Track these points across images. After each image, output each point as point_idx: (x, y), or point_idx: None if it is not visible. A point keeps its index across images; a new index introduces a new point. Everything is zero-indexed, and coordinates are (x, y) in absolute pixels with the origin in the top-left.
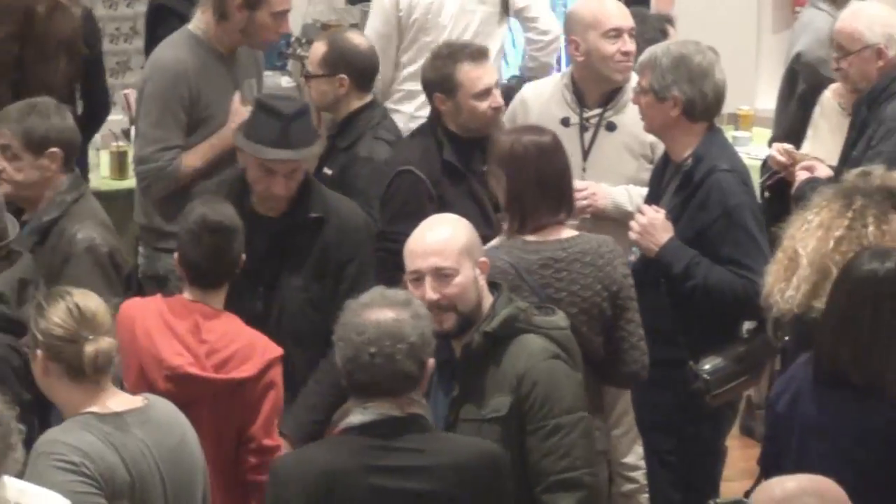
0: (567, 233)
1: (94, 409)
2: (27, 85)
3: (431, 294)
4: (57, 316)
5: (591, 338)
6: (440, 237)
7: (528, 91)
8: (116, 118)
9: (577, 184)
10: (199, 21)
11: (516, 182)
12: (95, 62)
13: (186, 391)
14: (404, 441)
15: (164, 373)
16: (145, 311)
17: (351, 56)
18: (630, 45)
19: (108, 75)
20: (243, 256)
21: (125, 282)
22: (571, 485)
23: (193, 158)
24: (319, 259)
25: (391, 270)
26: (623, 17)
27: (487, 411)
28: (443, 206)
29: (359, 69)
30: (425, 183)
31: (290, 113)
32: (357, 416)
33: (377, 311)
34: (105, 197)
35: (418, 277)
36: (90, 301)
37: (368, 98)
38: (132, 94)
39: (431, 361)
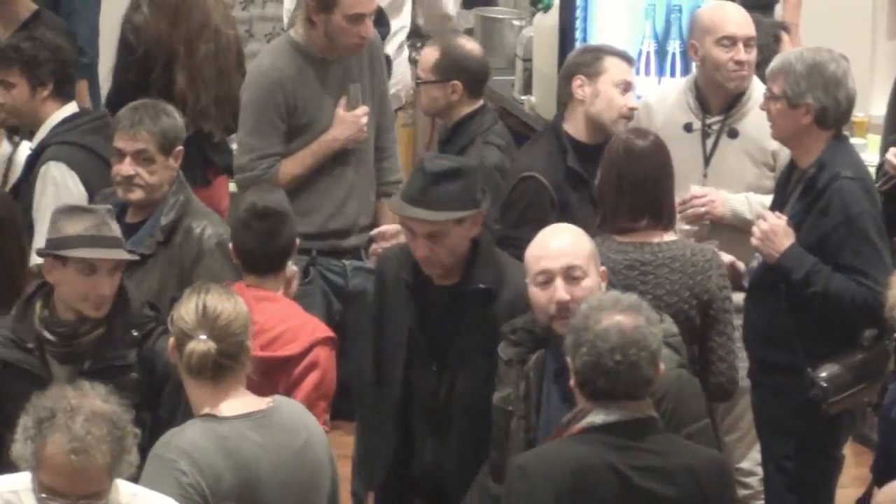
0: (662, 237)
1: (212, 411)
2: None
3: (563, 294)
4: (185, 309)
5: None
6: (567, 241)
7: (653, 95)
8: None
9: (696, 190)
10: (298, 26)
11: (601, 180)
12: None
13: None
14: (646, 442)
15: None
16: None
17: (463, 62)
18: (745, 54)
19: None
20: (297, 241)
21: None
22: None
23: (292, 166)
24: (488, 334)
25: None
26: (740, 26)
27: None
28: (564, 212)
29: (471, 75)
30: (548, 189)
31: (436, 171)
32: (600, 415)
33: (616, 316)
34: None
35: (547, 279)
36: (223, 303)
37: (479, 103)
38: None
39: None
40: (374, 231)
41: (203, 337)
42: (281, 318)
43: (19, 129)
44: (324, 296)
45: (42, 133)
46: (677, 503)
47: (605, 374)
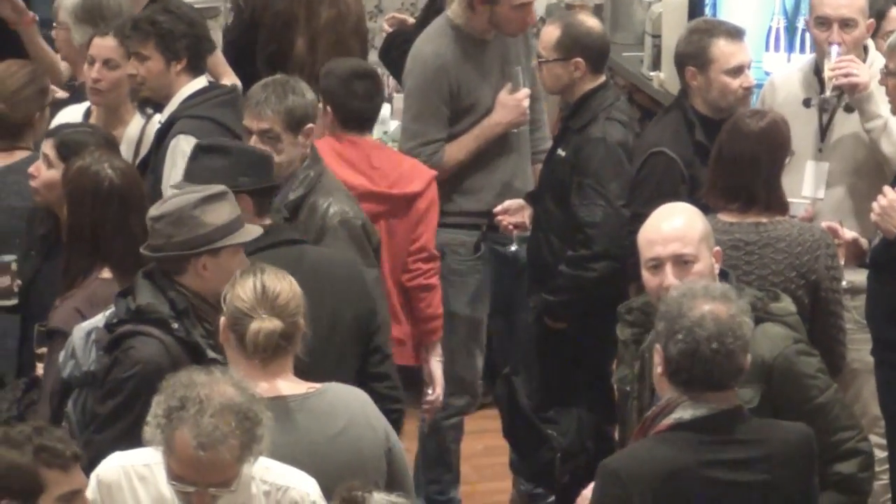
0: (769, 217)
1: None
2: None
3: (672, 281)
4: (242, 289)
5: None
6: (678, 224)
7: (780, 73)
8: None
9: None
10: (457, 8)
11: (710, 158)
12: None
13: (367, 209)
14: (735, 433)
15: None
16: (321, 150)
17: (585, 39)
18: (841, 34)
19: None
20: None
21: (375, 253)
22: (850, 454)
23: (457, 151)
24: None
25: None
26: (835, 7)
27: None
28: (694, 187)
29: (593, 51)
30: (678, 163)
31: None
32: (687, 410)
33: (709, 304)
34: None
35: (657, 265)
36: (281, 283)
37: (601, 79)
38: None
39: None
40: (499, 207)
41: (265, 316)
42: (396, 162)
43: (151, 102)
44: (494, 270)
45: (172, 106)
46: (773, 488)
47: (702, 362)
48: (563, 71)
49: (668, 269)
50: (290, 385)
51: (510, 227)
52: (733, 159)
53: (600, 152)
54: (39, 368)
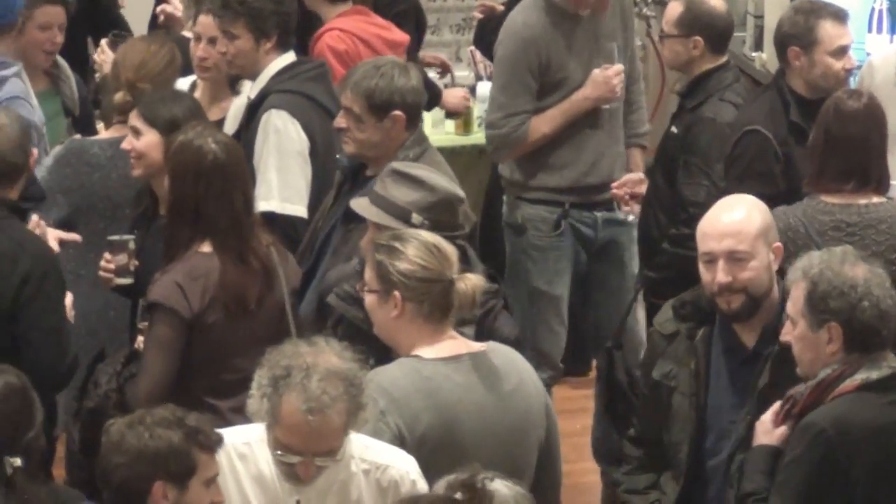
0: (872, 199)
1: (421, 352)
2: None
3: (723, 277)
4: (418, 257)
5: None
6: (736, 219)
7: (879, 55)
8: (463, 74)
9: None
10: None
11: (812, 140)
12: None
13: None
14: None
15: None
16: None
17: (707, 18)
18: None
19: (454, 31)
20: None
21: (468, 238)
22: None
23: (543, 124)
24: None
25: None
26: None
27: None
28: (788, 166)
29: (714, 32)
30: (772, 142)
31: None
32: (873, 371)
33: (860, 269)
34: (449, 153)
35: (711, 259)
36: (441, 241)
37: (722, 60)
38: (478, 52)
39: None
40: (620, 181)
41: (457, 276)
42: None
43: (241, 79)
44: (573, 248)
45: (262, 81)
46: None
47: (890, 320)
48: (683, 48)
49: (721, 265)
50: (459, 344)
51: (627, 197)
52: (845, 140)
53: (709, 132)
54: (140, 342)
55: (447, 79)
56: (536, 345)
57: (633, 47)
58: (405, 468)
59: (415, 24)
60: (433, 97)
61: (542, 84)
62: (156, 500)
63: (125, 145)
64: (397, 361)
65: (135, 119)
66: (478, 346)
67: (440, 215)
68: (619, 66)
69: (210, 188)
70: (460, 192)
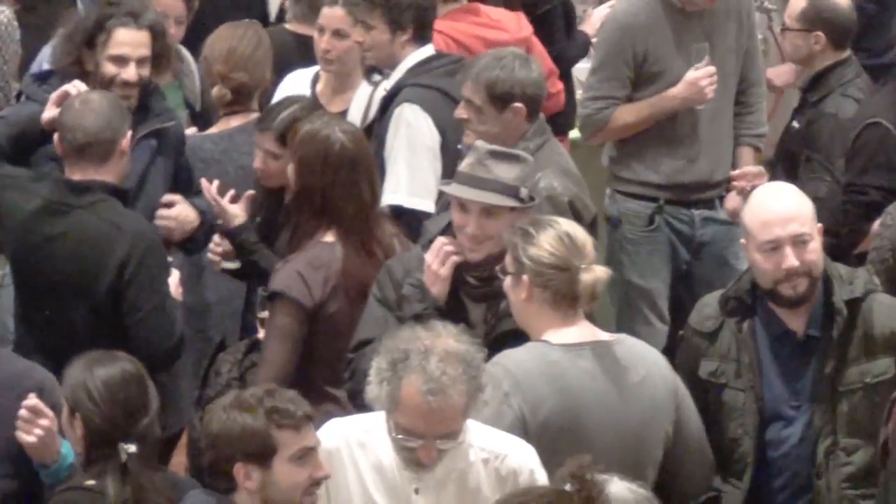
0: None
1: (548, 337)
2: None
3: (793, 261)
4: (548, 244)
5: None
6: (793, 203)
7: None
8: (585, 66)
9: None
10: None
11: None
12: None
13: None
14: None
15: None
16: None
17: (829, 14)
18: None
19: None
20: None
21: (588, 229)
22: None
23: (627, 113)
24: None
25: (858, 222)
26: None
27: (870, 377)
28: None
29: (836, 27)
30: (894, 135)
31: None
32: None
33: None
34: (569, 144)
35: (776, 247)
36: (578, 230)
37: (844, 55)
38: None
39: None
40: (737, 171)
41: (584, 265)
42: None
43: (377, 69)
44: (669, 244)
45: (397, 74)
46: None
47: None
48: (803, 42)
49: (788, 249)
50: (588, 332)
51: (748, 189)
52: None
53: (830, 127)
54: (262, 332)
55: None
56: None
57: (755, 50)
58: (524, 457)
59: (563, 22)
60: None
61: (638, 74)
62: (241, 481)
63: (258, 164)
64: (525, 345)
65: (269, 143)
66: (606, 336)
67: (530, 184)
68: (709, 69)
69: (338, 177)
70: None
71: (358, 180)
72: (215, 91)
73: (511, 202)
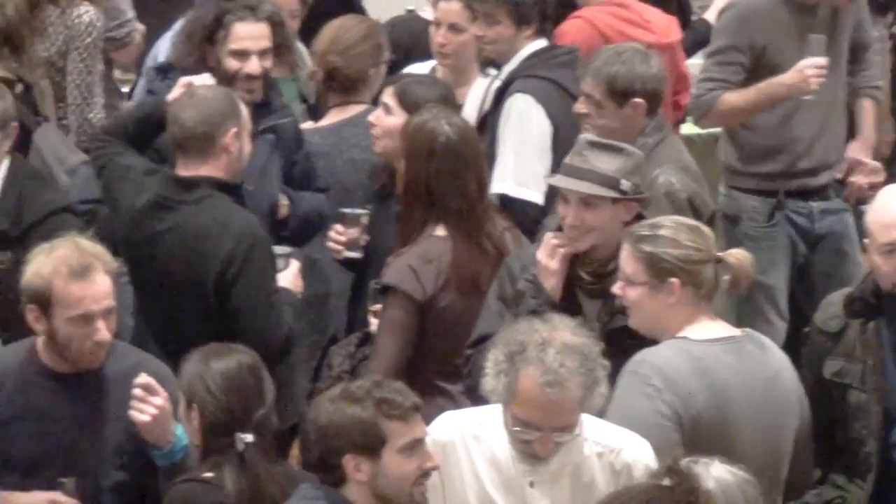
0: None
1: (689, 334)
2: None
3: None
4: (688, 240)
5: None
6: None
7: None
8: (699, 62)
9: None
10: None
11: None
12: None
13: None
14: None
15: None
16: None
17: None
18: None
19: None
20: None
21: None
22: None
23: (735, 97)
24: None
25: None
26: None
27: None
28: None
29: None
30: None
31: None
32: None
33: None
34: (684, 141)
35: (893, 249)
36: (694, 220)
37: None
38: None
39: None
40: (852, 161)
41: (720, 259)
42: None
43: (493, 62)
44: (788, 239)
45: (511, 65)
46: None
47: None
48: None
49: None
50: (721, 327)
51: (864, 186)
52: None
53: None
54: (374, 324)
55: None
56: None
57: (863, 19)
58: (639, 452)
59: (676, 7)
60: None
61: (756, 64)
62: (350, 472)
63: (371, 118)
64: (664, 343)
65: (388, 97)
66: (737, 331)
67: (637, 178)
68: (818, 60)
69: (442, 169)
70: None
71: (462, 174)
72: (309, 68)
73: (609, 193)
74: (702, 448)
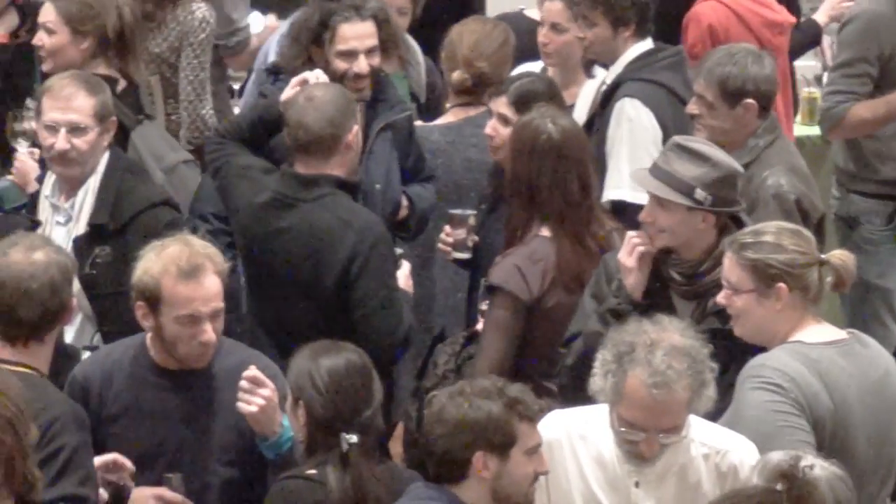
0: None
1: (802, 338)
2: None
3: None
4: (793, 245)
5: None
6: None
7: None
8: (809, 64)
9: None
10: None
11: None
12: None
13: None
14: None
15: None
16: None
17: None
18: None
19: None
20: None
21: (815, 228)
22: None
23: (864, 110)
24: None
25: None
26: None
27: None
28: None
29: None
30: None
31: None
32: None
33: None
34: (797, 142)
35: None
36: (793, 224)
37: None
38: (826, 39)
39: None
40: None
41: (824, 260)
42: None
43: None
44: None
45: (618, 68)
46: None
47: None
48: None
49: None
50: (830, 331)
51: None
52: None
53: None
54: (480, 322)
55: None
56: None
57: None
58: (745, 454)
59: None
60: None
61: (884, 73)
62: (477, 469)
63: (489, 131)
64: (779, 348)
65: (503, 107)
66: (844, 333)
67: (722, 191)
68: None
69: (543, 168)
70: (739, 168)
71: (564, 173)
72: (456, 75)
73: (679, 198)
74: (821, 449)
